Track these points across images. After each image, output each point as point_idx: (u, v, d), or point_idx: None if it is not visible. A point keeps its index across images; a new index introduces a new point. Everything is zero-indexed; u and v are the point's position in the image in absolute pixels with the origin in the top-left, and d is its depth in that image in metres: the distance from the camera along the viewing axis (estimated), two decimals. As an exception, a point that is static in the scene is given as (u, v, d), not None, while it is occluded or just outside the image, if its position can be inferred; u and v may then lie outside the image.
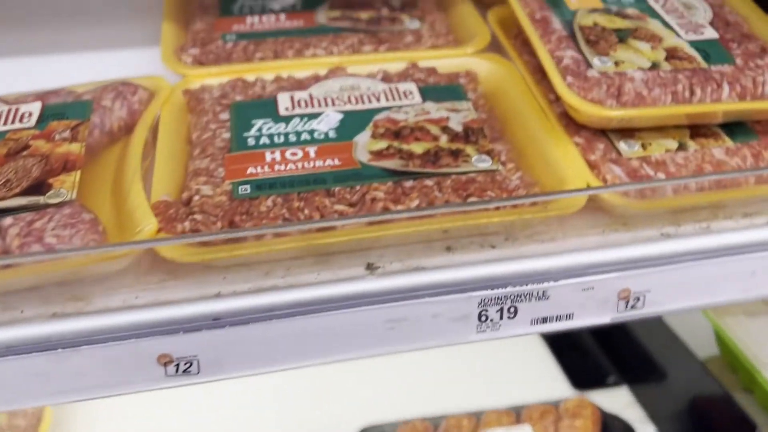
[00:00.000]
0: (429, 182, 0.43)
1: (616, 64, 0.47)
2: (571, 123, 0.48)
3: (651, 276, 0.43)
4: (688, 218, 0.45)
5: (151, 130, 0.47)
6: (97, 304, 0.39)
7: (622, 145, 0.46)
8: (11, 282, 0.38)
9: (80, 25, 0.62)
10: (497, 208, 0.41)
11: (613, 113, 0.44)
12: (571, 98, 0.45)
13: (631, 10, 0.53)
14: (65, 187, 0.41)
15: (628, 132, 0.47)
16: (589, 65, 0.47)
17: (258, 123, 0.47)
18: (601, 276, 0.42)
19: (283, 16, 0.59)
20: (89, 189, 0.42)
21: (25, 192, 0.41)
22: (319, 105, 0.49)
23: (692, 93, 0.46)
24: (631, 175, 0.44)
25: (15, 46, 0.59)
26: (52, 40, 0.60)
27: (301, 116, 0.48)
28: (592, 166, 0.45)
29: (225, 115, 0.48)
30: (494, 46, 0.57)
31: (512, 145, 0.47)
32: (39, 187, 0.41)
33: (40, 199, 0.40)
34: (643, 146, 0.46)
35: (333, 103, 0.49)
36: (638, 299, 0.43)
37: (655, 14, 0.53)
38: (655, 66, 0.47)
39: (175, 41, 0.57)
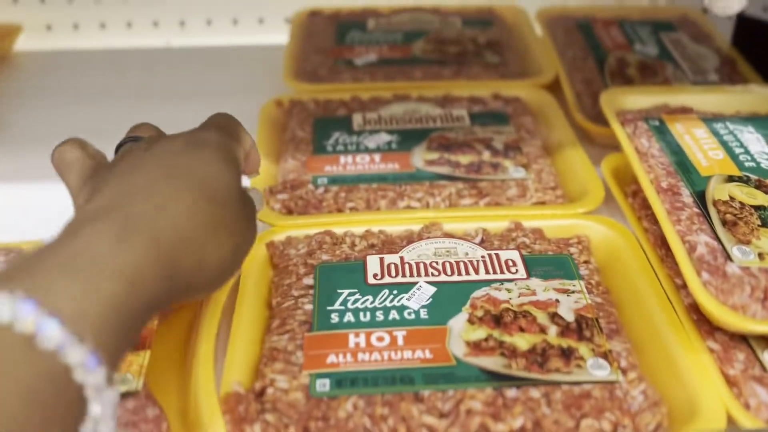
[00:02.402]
0: (535, 393, 0.37)
1: (760, 256, 0.40)
2: (702, 318, 0.41)
3: None
4: None
5: (230, 290, 0.44)
6: None
7: (766, 357, 0.38)
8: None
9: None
10: (617, 438, 0.35)
11: (758, 327, 0.37)
12: (709, 303, 0.38)
13: (773, 181, 0.46)
14: (132, 371, 0.37)
15: (774, 339, 0.40)
16: (727, 257, 0.40)
17: (344, 294, 0.43)
18: None
19: (377, 157, 0.56)
20: (157, 367, 0.39)
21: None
22: (411, 273, 0.45)
23: None
24: (782, 404, 0.36)
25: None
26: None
27: (391, 287, 0.43)
28: (731, 382, 0.38)
29: (309, 280, 0.44)
30: (607, 200, 0.51)
31: (632, 342, 0.41)
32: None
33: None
34: (795, 361, 0.38)
35: (426, 271, 0.45)
36: None
37: (803, 187, 0.46)
38: (809, 261, 0.40)
39: (265, 178, 0.54)
